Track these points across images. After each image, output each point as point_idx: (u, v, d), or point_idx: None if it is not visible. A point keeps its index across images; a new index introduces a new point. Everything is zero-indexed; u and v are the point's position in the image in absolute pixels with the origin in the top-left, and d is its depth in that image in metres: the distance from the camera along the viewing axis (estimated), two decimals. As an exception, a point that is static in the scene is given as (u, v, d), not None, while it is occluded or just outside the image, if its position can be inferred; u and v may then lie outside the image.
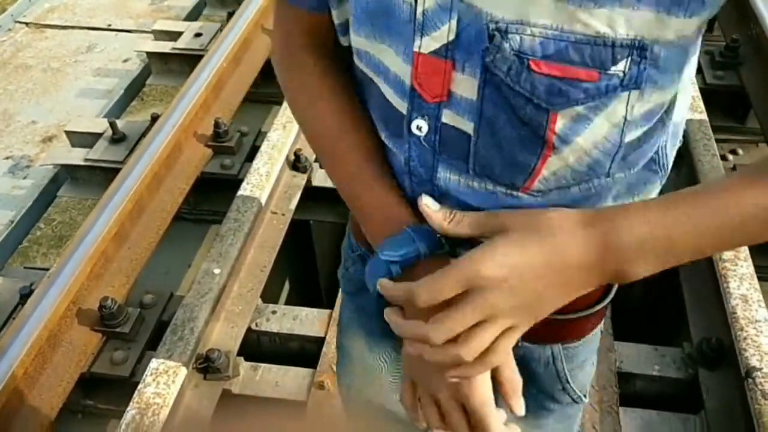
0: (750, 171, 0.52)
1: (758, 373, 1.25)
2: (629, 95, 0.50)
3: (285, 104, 2.05)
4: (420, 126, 0.56)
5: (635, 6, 0.45)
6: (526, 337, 0.67)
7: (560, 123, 0.51)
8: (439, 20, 0.50)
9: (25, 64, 3.06)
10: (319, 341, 1.51)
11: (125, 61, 3.04)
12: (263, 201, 1.74)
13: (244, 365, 1.45)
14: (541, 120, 0.51)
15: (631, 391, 1.43)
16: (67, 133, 2.27)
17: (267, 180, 1.78)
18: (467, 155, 0.56)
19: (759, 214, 0.49)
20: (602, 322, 0.75)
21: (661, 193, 0.64)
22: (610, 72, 0.49)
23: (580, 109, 0.51)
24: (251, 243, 1.69)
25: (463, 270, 0.52)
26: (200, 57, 2.35)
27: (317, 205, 2.00)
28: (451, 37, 0.50)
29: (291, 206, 1.84)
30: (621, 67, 0.49)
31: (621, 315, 1.50)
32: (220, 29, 2.66)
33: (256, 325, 1.53)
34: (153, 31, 2.82)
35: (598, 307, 0.69)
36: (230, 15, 2.64)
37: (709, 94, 2.11)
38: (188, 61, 2.57)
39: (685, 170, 1.85)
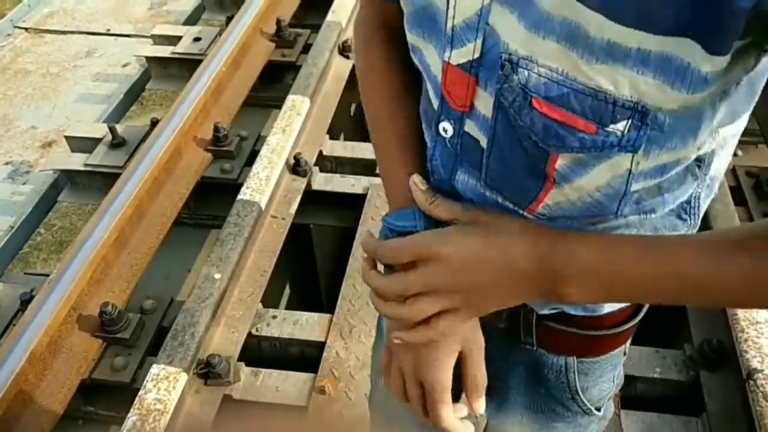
0: (702, 238, 0.53)
1: (759, 374, 1.25)
2: (633, 153, 0.50)
3: (284, 108, 2.05)
4: (446, 128, 0.59)
5: (639, 70, 0.45)
6: (540, 342, 0.69)
7: (560, 162, 0.52)
8: (466, 37, 0.52)
9: (25, 70, 3.06)
10: (320, 346, 1.51)
11: (125, 65, 3.04)
12: (263, 205, 1.74)
13: (245, 370, 1.45)
14: (541, 155, 0.53)
15: (632, 393, 1.43)
16: (67, 138, 2.27)
17: (266, 184, 1.78)
18: (481, 166, 0.58)
19: (694, 280, 0.51)
20: (625, 347, 0.75)
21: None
22: (608, 129, 0.48)
23: (579, 154, 0.51)
24: (251, 247, 1.69)
25: (420, 242, 0.57)
26: (199, 61, 2.35)
27: (317, 209, 2.00)
28: (476, 55, 0.52)
29: (291, 210, 1.84)
30: (620, 126, 0.48)
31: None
32: (219, 33, 2.66)
33: (257, 330, 1.53)
34: (152, 36, 2.82)
35: (619, 329, 0.69)
36: (229, 19, 2.65)
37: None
38: (187, 65, 2.57)
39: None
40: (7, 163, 2.57)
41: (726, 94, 0.48)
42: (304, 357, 1.55)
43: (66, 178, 2.22)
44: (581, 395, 0.74)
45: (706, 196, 0.62)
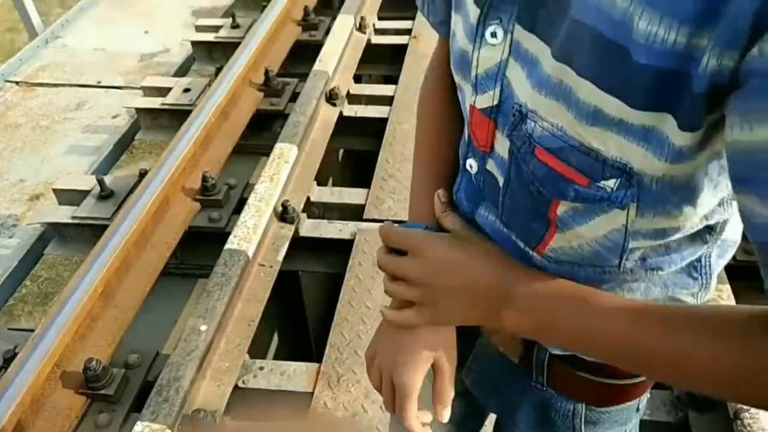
0: (643, 309, 0.55)
1: (746, 414, 1.26)
2: (628, 209, 0.53)
3: (272, 156, 2.07)
4: (472, 165, 0.66)
5: (625, 136, 0.48)
6: (550, 383, 0.72)
7: (561, 209, 0.56)
8: (487, 86, 0.58)
9: (15, 123, 3.09)
10: (308, 397, 1.48)
11: (114, 117, 3.08)
12: (250, 254, 1.74)
13: (231, 425, 1.42)
14: (544, 200, 0.57)
15: (625, 437, 1.40)
16: (55, 191, 2.27)
17: (254, 232, 1.78)
18: (498, 204, 0.64)
19: (619, 349, 0.54)
20: (639, 403, 0.75)
21: None
22: (599, 184, 0.52)
23: (577, 204, 0.54)
24: (238, 297, 1.68)
25: (414, 236, 0.65)
26: (189, 112, 2.38)
27: (305, 256, 1.99)
28: (495, 102, 0.57)
29: (279, 258, 1.84)
30: (611, 183, 0.51)
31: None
32: (209, 84, 2.70)
33: (243, 382, 1.51)
34: (142, 88, 2.86)
35: (631, 381, 0.70)
36: (218, 70, 2.69)
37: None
38: (177, 116, 2.60)
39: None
40: (-6, 217, 2.57)
41: (723, 168, 0.50)
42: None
43: (53, 231, 2.21)
44: None
45: (719, 256, 0.63)
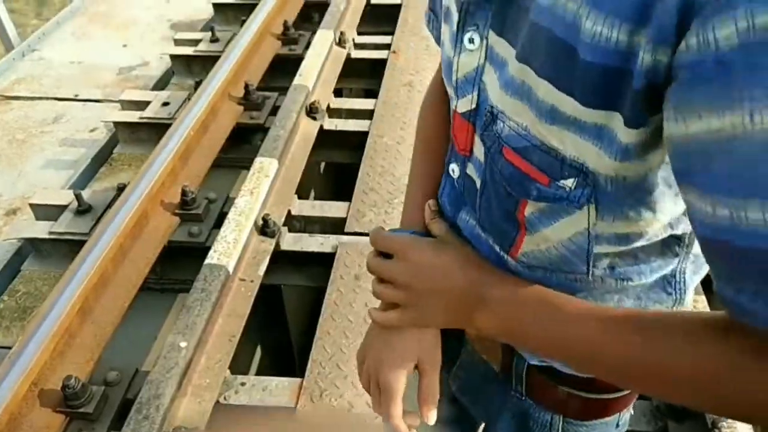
0: (610, 313, 0.55)
1: (723, 423, 1.29)
2: (588, 211, 0.54)
3: (252, 170, 2.07)
4: (454, 169, 0.68)
5: (579, 134, 0.50)
6: (529, 393, 0.73)
7: (528, 210, 0.58)
8: (466, 90, 0.60)
9: (-10, 137, 3.05)
10: (290, 412, 1.48)
11: (92, 130, 3.05)
12: (231, 269, 1.73)
13: (213, 441, 1.41)
14: (513, 201, 0.59)
15: (604, 447, 1.42)
16: (32, 205, 2.25)
17: (234, 247, 1.78)
18: (476, 207, 0.66)
19: (594, 350, 0.54)
20: (618, 419, 0.76)
21: None
22: (559, 183, 0.54)
23: (541, 204, 0.56)
24: (219, 312, 1.68)
25: (399, 240, 0.68)
26: (168, 125, 2.37)
27: (286, 269, 1.99)
28: (473, 105, 0.60)
29: (260, 272, 1.84)
30: (569, 183, 0.53)
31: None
32: (188, 98, 2.70)
33: (225, 398, 1.50)
34: (120, 101, 2.85)
35: (608, 396, 0.71)
36: (198, 84, 2.69)
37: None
38: (156, 129, 2.59)
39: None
40: (-31, 232, 2.52)
41: None
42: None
43: (30, 246, 2.18)
44: None
45: (693, 272, 0.63)
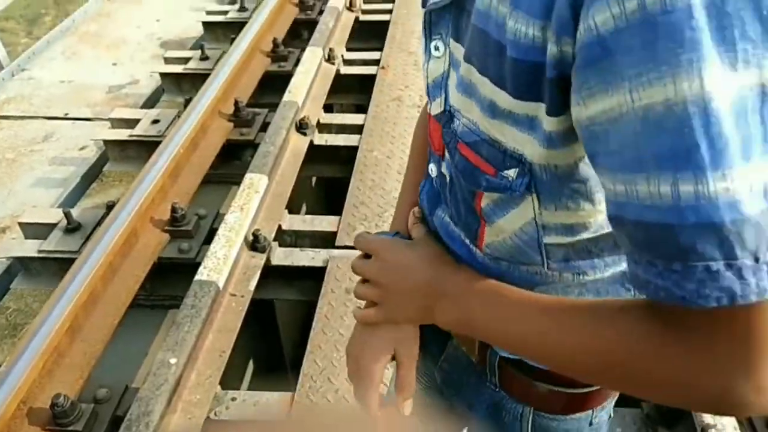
0: (550, 300, 0.57)
1: (712, 430, 1.30)
2: (532, 201, 0.58)
3: (242, 186, 2.08)
4: (432, 169, 0.72)
5: (518, 128, 0.53)
6: (502, 384, 0.75)
7: (484, 201, 0.62)
8: (436, 94, 0.65)
9: (-20, 156, 3.04)
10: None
11: (82, 149, 3.05)
12: (221, 284, 1.73)
13: (204, 458, 1.40)
14: (470, 194, 0.63)
15: (596, 456, 1.43)
16: (21, 224, 2.24)
17: (224, 263, 1.78)
18: (448, 203, 0.69)
19: (535, 337, 0.57)
20: (592, 417, 0.76)
21: None
22: (503, 173, 0.57)
23: (494, 196, 0.60)
24: (209, 328, 1.67)
25: (377, 242, 0.72)
26: (158, 143, 2.38)
27: (277, 284, 2.00)
28: (442, 108, 0.64)
29: (250, 287, 1.84)
30: (511, 173, 0.57)
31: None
32: (178, 116, 2.71)
33: (215, 414, 1.49)
34: (110, 119, 2.85)
35: (578, 390, 0.71)
36: (188, 101, 2.70)
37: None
38: (146, 147, 2.60)
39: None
40: (-42, 252, 2.51)
41: None
42: (265, 439, 1.51)
43: (20, 265, 2.17)
44: None
45: None
